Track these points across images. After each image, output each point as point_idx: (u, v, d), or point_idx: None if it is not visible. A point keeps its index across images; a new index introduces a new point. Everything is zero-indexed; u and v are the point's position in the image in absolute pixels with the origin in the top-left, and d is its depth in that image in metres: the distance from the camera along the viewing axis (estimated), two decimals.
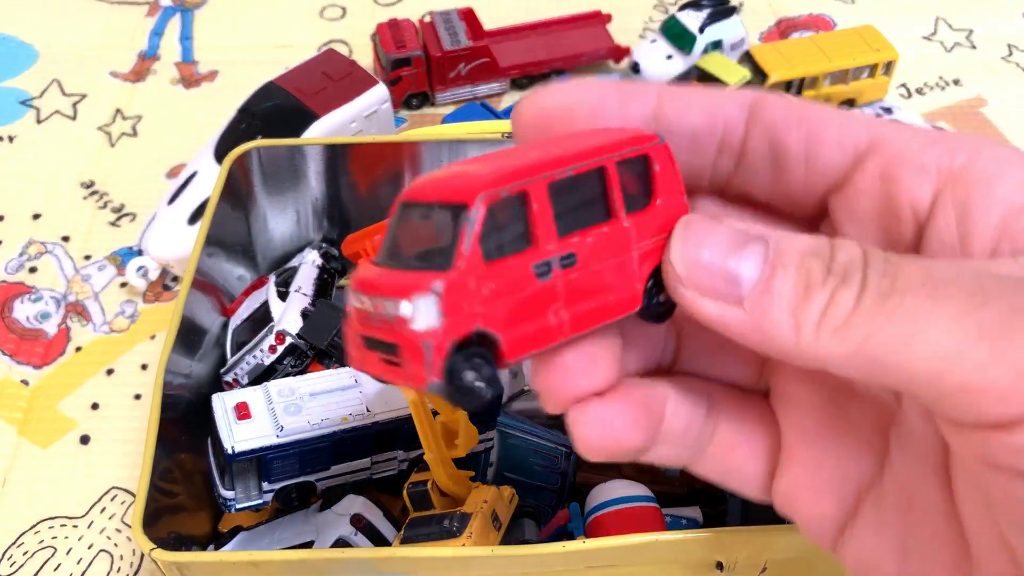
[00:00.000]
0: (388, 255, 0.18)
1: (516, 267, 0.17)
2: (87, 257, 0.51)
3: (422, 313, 0.16)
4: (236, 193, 0.43)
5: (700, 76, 0.54)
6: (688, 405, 0.20)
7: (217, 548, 0.37)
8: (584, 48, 0.59)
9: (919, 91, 0.58)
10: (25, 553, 0.40)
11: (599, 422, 0.18)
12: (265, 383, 0.38)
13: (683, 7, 0.58)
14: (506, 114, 0.54)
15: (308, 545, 0.36)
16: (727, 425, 0.20)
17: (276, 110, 0.48)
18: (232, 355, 0.42)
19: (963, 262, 0.17)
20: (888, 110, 0.53)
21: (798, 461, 0.20)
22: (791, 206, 0.20)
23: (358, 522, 0.36)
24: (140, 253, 0.49)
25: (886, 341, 0.15)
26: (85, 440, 0.44)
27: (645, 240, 0.18)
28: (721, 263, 0.17)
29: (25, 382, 0.46)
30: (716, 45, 0.56)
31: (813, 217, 0.20)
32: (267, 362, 0.40)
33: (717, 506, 0.38)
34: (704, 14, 0.56)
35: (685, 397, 0.20)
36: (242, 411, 0.36)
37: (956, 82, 0.59)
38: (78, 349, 0.47)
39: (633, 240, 0.18)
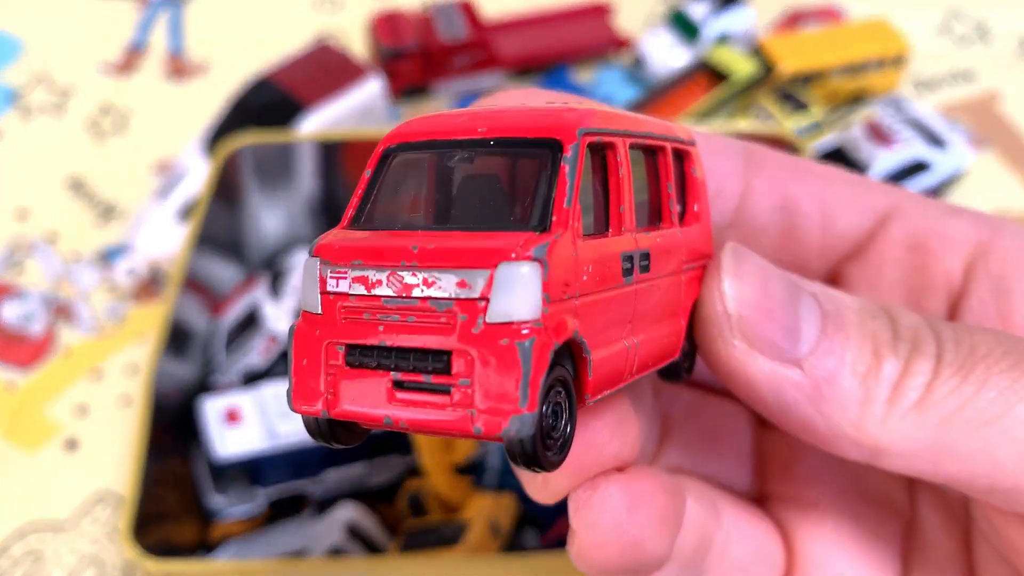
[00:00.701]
0: (383, 216, 0.11)
1: (606, 249, 0.11)
2: (75, 256, 0.50)
3: (515, 295, 0.09)
4: (227, 190, 0.42)
5: (707, 69, 0.52)
6: (699, 508, 0.16)
7: (208, 556, 0.35)
8: (585, 40, 0.57)
9: (931, 85, 0.57)
10: (12, 561, 0.39)
11: (617, 510, 0.13)
12: (259, 387, 0.37)
13: None
14: None
15: (301, 553, 0.35)
16: (736, 536, 0.16)
17: (267, 104, 0.47)
18: (223, 356, 0.41)
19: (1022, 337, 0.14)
20: (899, 103, 0.52)
21: (819, 572, 0.16)
22: (800, 272, 0.17)
23: (352, 530, 0.35)
24: (128, 252, 0.48)
25: (970, 420, 0.13)
26: (72, 444, 0.43)
27: (690, 262, 0.13)
28: (782, 310, 0.13)
29: (10, 385, 0.45)
30: (724, 37, 0.55)
31: (824, 282, 0.18)
32: (259, 365, 0.39)
33: None
34: (711, 5, 0.54)
35: (695, 497, 0.16)
36: (233, 416, 0.35)
37: (968, 76, 0.58)
38: (65, 351, 0.46)
39: (684, 257, 0.13)
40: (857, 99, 0.54)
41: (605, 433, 0.13)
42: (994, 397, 0.13)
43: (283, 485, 0.36)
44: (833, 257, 0.18)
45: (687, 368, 0.14)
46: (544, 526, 0.36)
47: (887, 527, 0.17)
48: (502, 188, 0.11)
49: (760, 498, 0.18)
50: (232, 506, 0.35)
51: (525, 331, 0.10)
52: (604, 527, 0.13)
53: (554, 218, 0.10)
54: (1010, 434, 0.12)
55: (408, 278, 0.10)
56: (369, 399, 0.10)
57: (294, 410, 0.11)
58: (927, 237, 0.17)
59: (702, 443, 0.17)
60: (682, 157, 0.14)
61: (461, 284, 0.10)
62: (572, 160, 0.11)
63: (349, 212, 0.12)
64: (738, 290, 0.14)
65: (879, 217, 0.17)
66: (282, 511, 0.36)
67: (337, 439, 0.11)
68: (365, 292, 0.10)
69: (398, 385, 0.10)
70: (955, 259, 0.16)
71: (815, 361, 0.13)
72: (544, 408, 0.10)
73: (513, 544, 0.34)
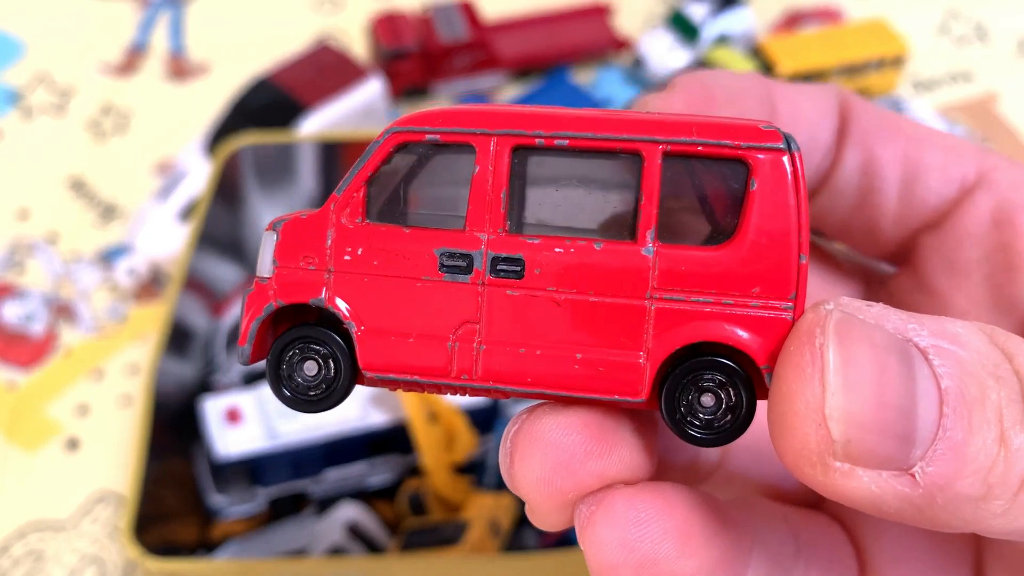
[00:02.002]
0: (510, 220, 0.11)
1: (408, 240, 0.12)
2: (75, 256, 0.50)
3: (262, 254, 0.13)
4: (227, 190, 0.42)
5: (706, 69, 0.53)
6: (775, 540, 0.14)
7: (209, 556, 0.36)
8: (585, 41, 0.57)
9: (929, 85, 0.57)
10: (12, 561, 0.39)
11: (623, 526, 0.12)
12: (259, 386, 0.37)
13: None
14: None
15: (302, 553, 0.35)
16: (816, 562, 0.14)
17: (268, 104, 0.47)
18: (223, 356, 0.41)
19: None
20: (898, 104, 0.52)
21: None
22: (871, 240, 0.16)
23: (353, 529, 0.35)
24: (129, 252, 0.48)
25: None
26: (73, 444, 0.43)
27: (683, 292, 0.11)
28: (900, 415, 0.11)
29: (11, 384, 0.45)
30: (723, 38, 0.55)
31: (893, 254, 0.16)
32: (259, 365, 0.39)
33: None
34: (710, 6, 0.55)
35: (768, 530, 0.14)
36: (233, 415, 0.35)
37: (967, 76, 0.58)
38: (66, 351, 0.46)
39: (647, 285, 0.11)
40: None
41: (578, 451, 0.12)
42: None
43: (283, 484, 0.36)
44: (911, 226, 0.16)
45: (714, 438, 0.11)
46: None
47: (958, 542, 0.15)
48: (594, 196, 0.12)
49: (813, 503, 0.16)
50: (233, 505, 0.35)
51: (254, 284, 0.13)
52: (611, 545, 0.12)
53: (329, 200, 0.13)
54: None
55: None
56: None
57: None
58: (1017, 212, 0.15)
59: (755, 450, 0.15)
60: (739, 166, 0.11)
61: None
62: (365, 154, 0.12)
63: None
64: (849, 406, 0.11)
65: (965, 186, 0.15)
66: (282, 510, 0.36)
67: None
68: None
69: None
70: None
71: (930, 467, 0.11)
72: (285, 355, 0.12)
73: (513, 544, 0.34)
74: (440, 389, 0.12)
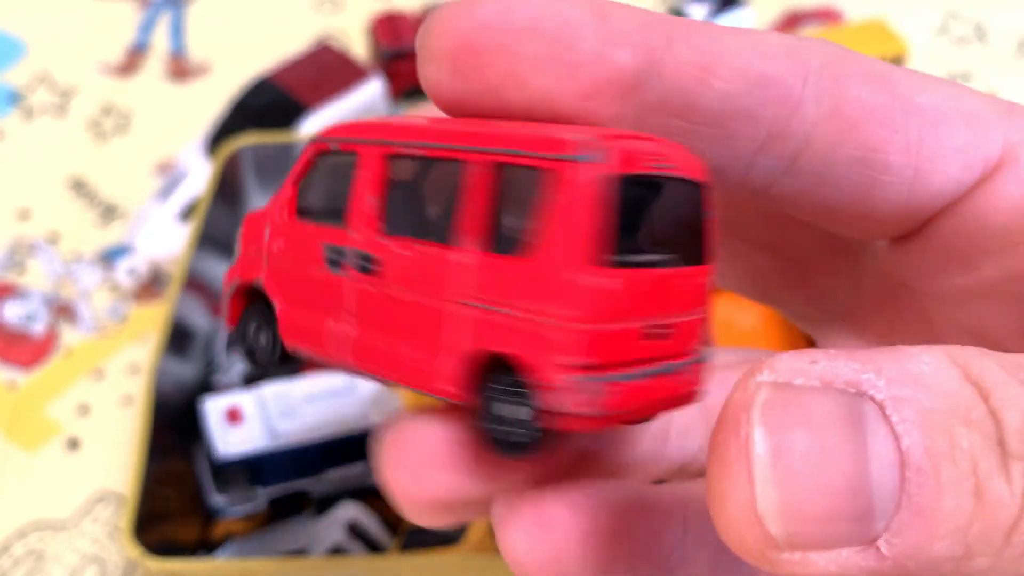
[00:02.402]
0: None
1: (307, 234, 0.14)
2: (76, 256, 0.50)
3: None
4: (228, 190, 0.42)
5: None
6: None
7: (209, 555, 0.36)
8: None
9: None
10: (13, 560, 0.39)
11: (532, 525, 0.11)
12: (259, 387, 0.37)
13: None
14: None
15: (302, 552, 0.35)
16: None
17: (268, 105, 0.47)
18: (224, 356, 0.41)
19: None
20: None
21: None
22: (864, 229, 0.13)
23: (353, 529, 0.35)
24: (130, 252, 0.48)
25: None
26: (73, 444, 0.43)
27: (487, 302, 0.11)
28: (850, 494, 0.09)
29: (12, 384, 0.45)
30: None
31: (900, 237, 0.13)
32: None
33: None
34: (710, 7, 0.55)
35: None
36: (234, 415, 0.36)
37: (967, 76, 0.58)
38: (66, 351, 0.46)
39: (458, 290, 0.11)
40: None
41: (423, 469, 0.12)
42: None
43: (284, 484, 0.36)
44: (919, 216, 0.13)
45: (525, 444, 0.11)
46: None
47: None
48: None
49: None
50: (233, 505, 0.36)
51: (229, 270, 0.15)
52: (519, 547, 0.12)
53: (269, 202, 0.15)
54: None
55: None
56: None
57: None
58: None
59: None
60: (539, 175, 0.11)
61: None
62: (300, 165, 0.14)
63: None
64: (784, 500, 0.09)
65: (990, 166, 0.12)
66: (283, 510, 0.36)
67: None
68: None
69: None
70: None
71: (897, 540, 0.09)
72: (246, 321, 0.15)
73: None
74: (325, 365, 0.14)
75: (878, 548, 0.09)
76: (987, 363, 0.10)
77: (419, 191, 0.13)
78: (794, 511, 0.09)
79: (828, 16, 0.62)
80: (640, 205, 0.11)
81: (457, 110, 0.12)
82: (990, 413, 0.10)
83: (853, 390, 0.10)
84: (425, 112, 0.14)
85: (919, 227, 0.13)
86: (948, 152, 0.12)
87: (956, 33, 0.61)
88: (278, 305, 0.14)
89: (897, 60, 0.54)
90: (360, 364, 0.13)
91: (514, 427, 0.11)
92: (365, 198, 0.13)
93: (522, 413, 0.11)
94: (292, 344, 0.14)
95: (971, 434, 0.10)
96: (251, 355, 0.15)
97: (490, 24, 0.12)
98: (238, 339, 0.15)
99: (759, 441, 0.09)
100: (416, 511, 0.13)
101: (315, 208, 0.14)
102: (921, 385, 0.10)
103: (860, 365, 0.10)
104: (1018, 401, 0.10)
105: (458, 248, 0.12)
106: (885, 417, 0.10)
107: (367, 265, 0.13)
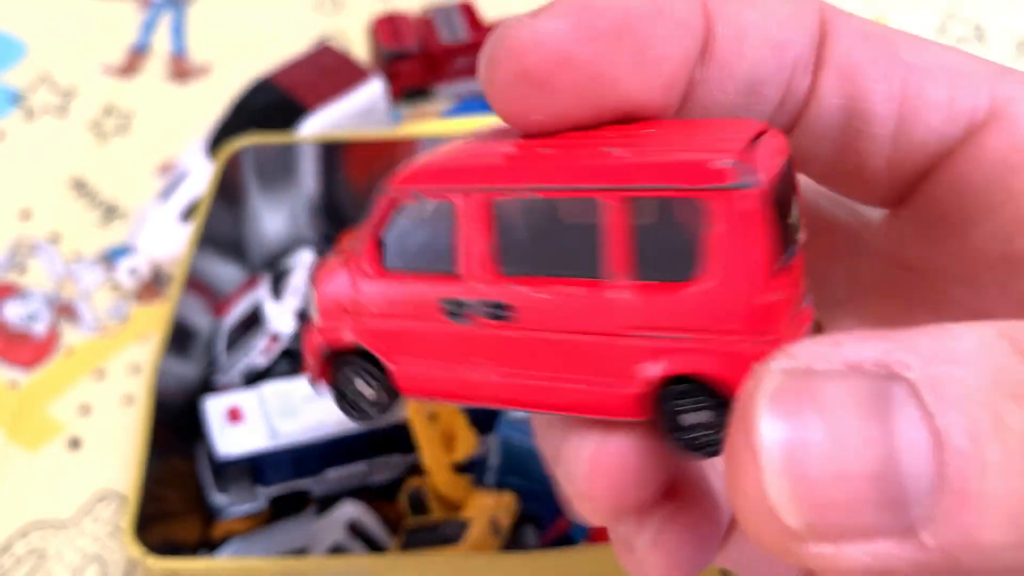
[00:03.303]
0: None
1: (416, 290, 0.13)
2: (77, 256, 0.50)
3: (311, 307, 0.16)
4: (229, 190, 0.42)
5: None
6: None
7: (210, 555, 0.36)
8: None
9: None
10: (15, 559, 0.39)
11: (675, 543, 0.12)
12: (260, 386, 0.37)
13: None
14: None
15: (303, 552, 0.35)
16: None
17: (269, 105, 0.47)
18: (224, 356, 0.41)
19: None
20: None
21: None
22: (856, 188, 0.13)
23: (354, 528, 0.35)
24: (131, 252, 0.48)
25: None
26: (75, 443, 0.43)
27: (660, 331, 0.11)
28: (868, 472, 0.09)
29: (13, 384, 0.45)
30: None
31: (885, 199, 0.14)
32: (261, 364, 0.39)
33: None
34: None
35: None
36: (234, 415, 0.36)
37: None
38: (68, 350, 0.46)
39: (624, 323, 0.12)
40: None
41: (625, 483, 0.12)
42: None
43: (285, 483, 0.36)
44: (906, 172, 0.13)
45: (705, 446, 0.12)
46: (544, 525, 0.36)
47: None
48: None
49: None
50: (234, 504, 0.36)
51: (310, 330, 0.15)
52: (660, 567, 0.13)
53: (343, 254, 0.14)
54: None
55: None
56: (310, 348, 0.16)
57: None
58: None
59: None
60: (692, 206, 0.11)
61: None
62: (375, 208, 0.14)
63: None
64: (795, 488, 0.09)
65: (974, 122, 0.12)
66: (284, 509, 0.36)
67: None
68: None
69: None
70: None
71: (939, 528, 0.09)
72: (344, 380, 0.15)
73: (513, 542, 0.34)
74: (463, 404, 0.15)
75: (920, 538, 0.09)
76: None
77: (539, 228, 0.12)
78: (808, 500, 0.09)
79: None
80: (783, 203, 0.12)
81: (541, 129, 0.13)
82: (1021, 361, 0.09)
83: (883, 371, 0.09)
84: (475, 123, 0.15)
85: (909, 192, 0.13)
86: (931, 104, 0.12)
87: (955, 33, 0.61)
88: (392, 365, 0.14)
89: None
90: (510, 403, 0.13)
91: (703, 432, 0.12)
92: (475, 245, 0.12)
93: (707, 417, 0.12)
94: (413, 394, 0.14)
95: (1021, 410, 0.09)
96: (354, 408, 0.15)
97: (576, 37, 0.11)
98: (336, 395, 0.15)
99: (766, 429, 0.09)
100: (608, 518, 0.13)
101: (409, 259, 0.13)
102: (962, 362, 0.09)
103: (892, 344, 0.09)
104: None
105: (609, 283, 0.12)
106: (918, 397, 0.09)
107: (500, 313, 0.13)
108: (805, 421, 0.09)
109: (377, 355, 0.14)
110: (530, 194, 0.12)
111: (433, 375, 0.14)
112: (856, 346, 0.09)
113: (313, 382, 0.15)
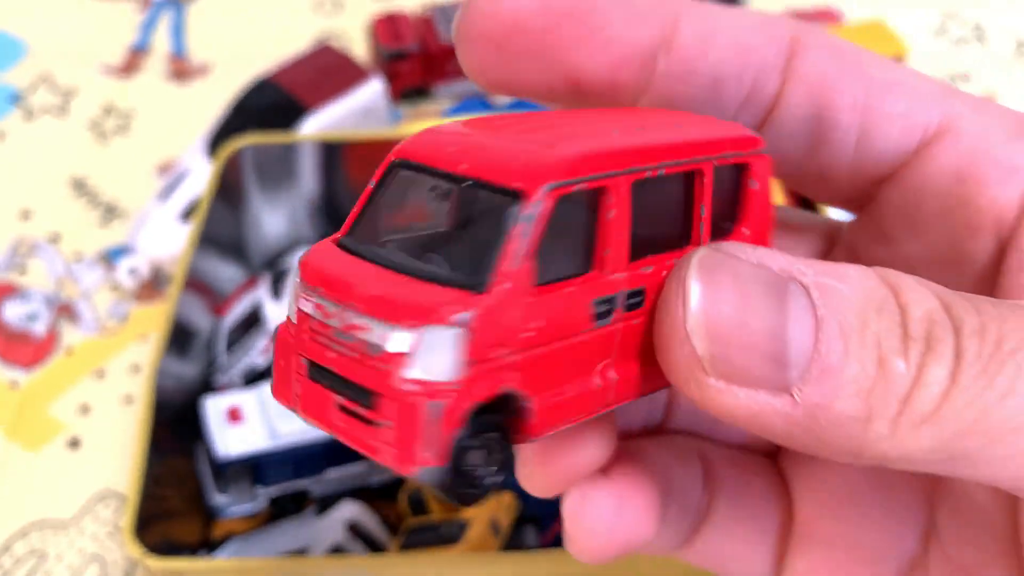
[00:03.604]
0: (369, 238, 0.12)
1: (571, 300, 0.11)
2: (77, 256, 0.50)
3: (434, 357, 0.10)
4: (228, 190, 0.42)
5: None
6: (685, 476, 0.15)
7: (210, 555, 0.36)
8: None
9: None
10: (14, 560, 0.39)
11: (609, 512, 0.14)
12: (260, 386, 0.37)
13: None
14: (507, 109, 0.53)
15: (303, 552, 0.35)
16: (727, 498, 0.16)
17: (269, 105, 0.47)
18: (224, 356, 0.41)
19: None
20: None
21: (820, 540, 0.15)
22: (825, 189, 0.15)
23: (354, 528, 0.35)
24: (131, 252, 0.48)
25: (993, 428, 0.11)
26: (75, 443, 0.43)
27: None
28: (766, 336, 0.11)
29: (13, 384, 0.45)
30: None
31: (850, 199, 0.15)
32: (261, 364, 0.39)
33: None
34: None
35: (681, 465, 0.15)
36: (234, 415, 0.36)
37: (965, 77, 0.58)
38: (67, 350, 0.46)
39: None
40: None
41: (576, 441, 0.14)
42: (1022, 403, 0.11)
43: (284, 484, 0.36)
44: (865, 179, 0.15)
45: None
46: (544, 525, 0.36)
47: (908, 479, 0.15)
48: (466, 234, 0.12)
49: (771, 451, 0.17)
50: (234, 504, 0.36)
51: (437, 393, 0.11)
52: (598, 532, 0.14)
53: (495, 279, 0.11)
54: None
55: (350, 318, 0.11)
56: (322, 412, 0.11)
57: (274, 397, 0.13)
58: (980, 164, 0.14)
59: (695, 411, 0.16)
60: (742, 170, 0.13)
61: (389, 337, 0.11)
62: (529, 218, 0.11)
63: (346, 222, 0.13)
64: (708, 322, 0.11)
65: (928, 135, 0.14)
66: (283, 509, 0.36)
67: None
68: (322, 319, 0.11)
69: (341, 407, 0.11)
70: (1011, 191, 0.13)
71: (807, 388, 0.11)
72: (463, 453, 0.11)
73: (513, 542, 0.34)
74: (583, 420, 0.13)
75: (792, 395, 0.11)
76: (905, 276, 0.12)
77: (650, 205, 0.12)
78: (715, 333, 0.11)
79: (827, 17, 0.62)
80: None
81: (498, 88, 0.14)
82: (899, 305, 0.12)
83: (785, 275, 0.12)
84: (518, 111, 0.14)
85: (869, 197, 0.15)
86: (891, 116, 0.14)
87: (955, 34, 0.61)
88: (536, 400, 0.11)
89: (896, 60, 0.54)
90: (623, 398, 0.12)
91: None
92: (620, 232, 0.12)
93: None
94: (542, 432, 0.12)
95: (880, 319, 0.11)
96: (474, 485, 0.11)
97: (532, 9, 0.13)
98: (452, 479, 0.11)
99: (692, 279, 0.12)
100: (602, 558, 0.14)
101: (552, 268, 0.11)
102: (843, 279, 0.12)
103: (796, 259, 0.12)
104: (924, 299, 0.12)
105: (697, 246, 0.13)
106: (808, 295, 0.12)
107: (636, 301, 0.12)
108: (720, 280, 0.12)
109: (526, 394, 0.11)
110: (660, 171, 0.12)
111: (565, 400, 0.12)
112: (767, 253, 0.12)
113: (411, 468, 0.11)
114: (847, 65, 0.14)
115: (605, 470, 0.14)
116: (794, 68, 0.14)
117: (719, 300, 0.11)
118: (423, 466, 0.11)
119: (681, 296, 0.12)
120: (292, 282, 0.12)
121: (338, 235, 0.13)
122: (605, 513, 0.14)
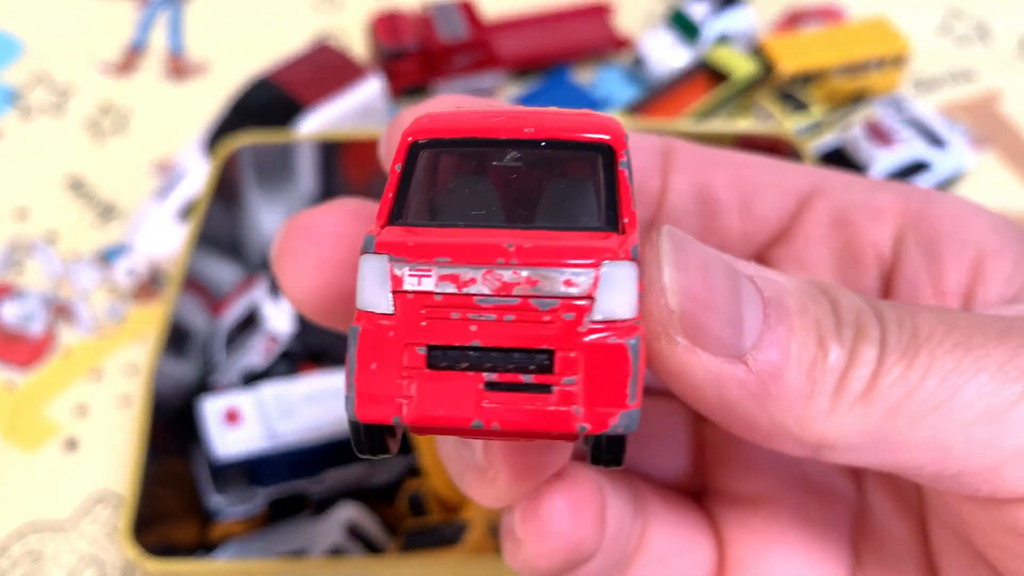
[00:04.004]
0: (424, 215, 0.11)
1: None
2: (74, 256, 0.50)
3: (618, 294, 0.10)
4: (226, 189, 0.42)
5: (707, 69, 0.53)
6: (619, 500, 0.16)
7: (208, 556, 0.35)
8: (585, 40, 0.57)
9: (931, 85, 0.57)
10: (11, 561, 0.39)
11: (565, 515, 0.14)
12: (259, 387, 0.37)
13: None
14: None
15: (301, 553, 0.35)
16: (661, 531, 0.16)
17: (267, 104, 0.47)
18: (222, 357, 0.41)
19: (962, 311, 0.14)
20: (899, 103, 0.52)
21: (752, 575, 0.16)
22: None
23: (352, 530, 0.35)
24: (128, 252, 0.48)
25: (916, 409, 0.12)
26: (72, 444, 0.43)
27: None
28: (725, 301, 0.12)
29: (10, 385, 0.45)
30: (724, 37, 0.55)
31: None
32: (259, 365, 0.39)
33: None
34: (711, 5, 0.55)
35: (614, 489, 0.16)
36: (233, 416, 0.35)
37: (968, 75, 0.58)
38: (65, 351, 0.46)
39: None
40: (857, 99, 0.54)
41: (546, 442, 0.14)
42: (939, 382, 0.12)
43: (283, 485, 0.36)
44: (756, 243, 0.17)
45: None
46: None
47: (832, 517, 0.16)
48: (557, 190, 0.11)
49: (696, 491, 0.18)
50: (232, 506, 0.35)
51: (631, 329, 0.10)
52: (553, 535, 0.14)
53: (626, 219, 0.11)
54: (956, 419, 0.12)
55: (508, 276, 0.10)
56: (455, 403, 0.10)
57: (358, 419, 0.11)
58: (852, 211, 0.16)
59: (634, 435, 0.17)
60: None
61: (567, 283, 0.10)
62: (628, 164, 0.12)
63: (386, 209, 0.12)
64: (680, 282, 0.12)
65: (801, 198, 0.16)
66: (282, 511, 0.36)
67: (381, 449, 0.11)
68: (456, 291, 0.10)
69: (491, 386, 0.10)
70: (883, 230, 0.16)
71: (759, 355, 0.12)
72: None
73: None
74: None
75: (746, 363, 0.13)
76: (825, 279, 0.15)
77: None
78: (685, 289, 0.12)
79: (829, 15, 0.62)
80: None
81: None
82: (829, 298, 0.13)
83: (727, 261, 0.13)
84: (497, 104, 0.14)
85: (764, 259, 0.17)
86: (763, 185, 0.17)
87: (958, 32, 0.60)
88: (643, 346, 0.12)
89: (899, 59, 0.54)
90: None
91: None
92: (630, 196, 0.12)
93: None
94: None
95: (815, 305, 0.13)
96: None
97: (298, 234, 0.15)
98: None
99: (664, 243, 0.13)
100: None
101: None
102: (780, 275, 0.14)
103: (733, 256, 0.14)
104: (849, 295, 0.14)
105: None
106: (752, 282, 0.13)
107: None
108: (688, 251, 0.13)
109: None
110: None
111: (644, 351, 0.12)
112: (710, 248, 0.14)
113: (613, 420, 0.10)
114: (716, 156, 0.17)
115: (559, 473, 0.14)
116: (673, 164, 0.17)
117: (687, 263, 0.13)
118: (627, 411, 0.10)
119: (656, 258, 0.13)
120: (375, 270, 0.10)
121: (382, 220, 0.11)
122: (562, 515, 0.14)
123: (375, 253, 0.11)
